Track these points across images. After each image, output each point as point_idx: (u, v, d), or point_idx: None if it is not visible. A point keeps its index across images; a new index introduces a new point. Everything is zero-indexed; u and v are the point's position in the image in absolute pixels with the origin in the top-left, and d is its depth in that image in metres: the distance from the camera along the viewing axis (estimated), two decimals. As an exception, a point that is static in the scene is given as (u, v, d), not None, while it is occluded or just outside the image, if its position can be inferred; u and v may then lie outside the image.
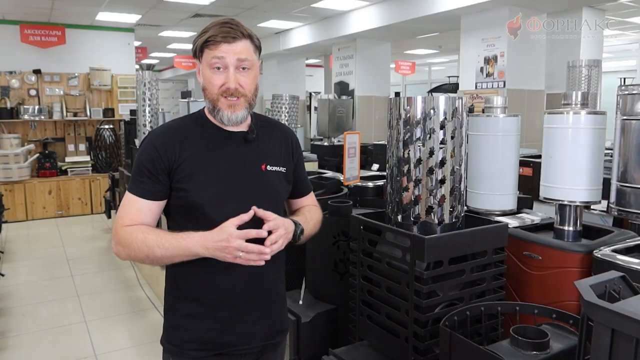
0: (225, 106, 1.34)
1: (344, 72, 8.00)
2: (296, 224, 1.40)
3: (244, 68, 1.33)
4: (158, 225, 1.40)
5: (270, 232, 1.28)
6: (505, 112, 2.23)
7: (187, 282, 1.40)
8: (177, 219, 1.40)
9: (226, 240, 1.24)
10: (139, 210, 1.34)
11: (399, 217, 1.72)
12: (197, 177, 1.34)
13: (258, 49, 1.38)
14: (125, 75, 8.29)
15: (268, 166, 1.43)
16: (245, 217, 1.28)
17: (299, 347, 2.20)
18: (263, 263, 1.28)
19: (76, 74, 8.03)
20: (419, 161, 1.66)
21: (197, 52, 1.35)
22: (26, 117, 7.60)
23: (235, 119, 1.35)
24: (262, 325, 1.45)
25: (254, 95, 1.38)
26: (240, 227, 1.26)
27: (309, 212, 1.55)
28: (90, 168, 7.84)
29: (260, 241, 1.27)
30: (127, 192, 1.37)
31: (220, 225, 1.27)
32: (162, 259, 1.30)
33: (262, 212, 1.31)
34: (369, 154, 5.89)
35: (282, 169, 1.46)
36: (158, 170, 1.33)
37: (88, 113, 7.97)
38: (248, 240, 1.25)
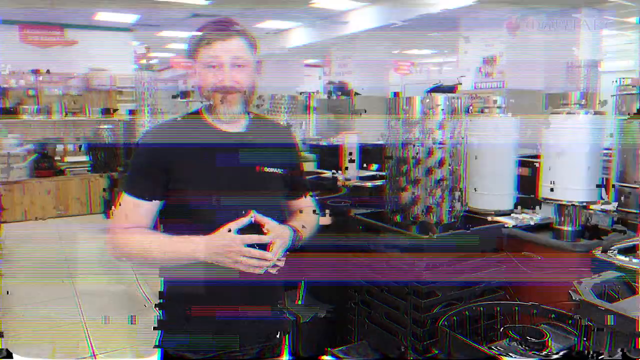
0: (222, 102, 1.34)
1: (343, 72, 7.99)
2: (294, 231, 1.40)
3: (239, 65, 1.33)
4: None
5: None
6: (505, 112, 2.22)
7: (182, 283, 1.39)
8: (173, 220, 1.39)
9: (228, 245, 1.24)
10: (136, 212, 1.33)
11: (398, 217, 1.72)
12: (192, 178, 1.33)
13: (254, 46, 1.37)
14: (125, 75, 8.28)
15: (265, 167, 1.42)
16: (245, 220, 1.28)
17: (298, 347, 2.19)
18: (261, 272, 1.28)
19: (76, 74, 8.02)
20: (418, 161, 1.66)
21: (192, 52, 1.35)
22: (26, 117, 7.59)
23: (231, 113, 1.35)
24: (258, 327, 1.44)
25: (250, 93, 1.37)
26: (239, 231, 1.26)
27: (307, 215, 1.54)
28: (89, 168, 7.83)
29: (260, 246, 1.27)
30: (123, 193, 1.35)
31: (219, 228, 1.27)
32: (159, 263, 1.30)
33: (260, 218, 1.31)
34: (368, 154, 5.88)
35: (279, 171, 1.45)
36: (154, 170, 1.33)
37: (87, 113, 7.96)
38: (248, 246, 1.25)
